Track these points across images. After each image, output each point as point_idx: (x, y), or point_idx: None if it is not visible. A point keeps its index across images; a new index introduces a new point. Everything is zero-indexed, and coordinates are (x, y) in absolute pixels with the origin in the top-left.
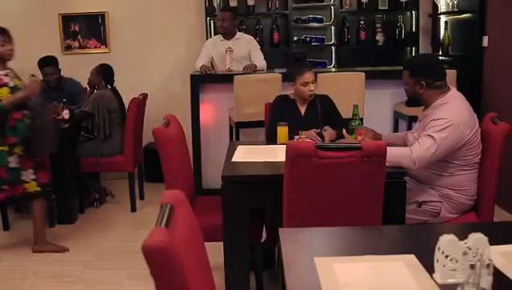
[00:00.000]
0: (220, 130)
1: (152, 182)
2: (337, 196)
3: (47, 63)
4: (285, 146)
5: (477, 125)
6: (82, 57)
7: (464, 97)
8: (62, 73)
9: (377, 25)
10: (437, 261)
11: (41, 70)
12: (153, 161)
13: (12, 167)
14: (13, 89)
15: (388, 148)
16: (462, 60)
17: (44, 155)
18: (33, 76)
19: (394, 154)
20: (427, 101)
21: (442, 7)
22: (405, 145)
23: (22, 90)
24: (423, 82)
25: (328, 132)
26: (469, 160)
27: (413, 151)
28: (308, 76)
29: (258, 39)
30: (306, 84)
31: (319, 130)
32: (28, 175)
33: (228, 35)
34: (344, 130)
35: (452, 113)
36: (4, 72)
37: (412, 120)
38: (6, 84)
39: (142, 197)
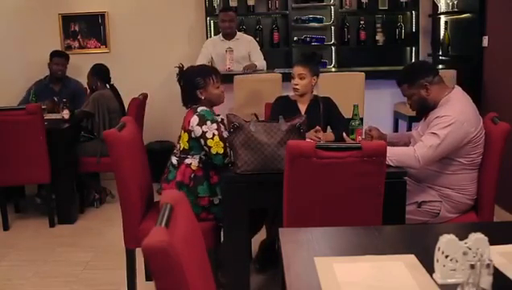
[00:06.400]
0: None
1: (152, 182)
2: (337, 196)
3: (60, 54)
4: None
5: (482, 123)
6: (82, 57)
7: (468, 96)
8: None
9: (377, 25)
10: (437, 261)
11: (51, 59)
12: (153, 161)
13: None
14: None
15: (391, 148)
16: (462, 60)
17: None
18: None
19: (397, 153)
20: (435, 100)
21: (442, 7)
22: (409, 144)
23: None
24: (425, 83)
25: (324, 135)
26: (473, 159)
27: (416, 149)
28: (295, 69)
29: (258, 39)
30: (293, 77)
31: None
32: None
33: (228, 35)
34: (344, 133)
35: (455, 111)
36: None
37: (412, 120)
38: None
39: None
